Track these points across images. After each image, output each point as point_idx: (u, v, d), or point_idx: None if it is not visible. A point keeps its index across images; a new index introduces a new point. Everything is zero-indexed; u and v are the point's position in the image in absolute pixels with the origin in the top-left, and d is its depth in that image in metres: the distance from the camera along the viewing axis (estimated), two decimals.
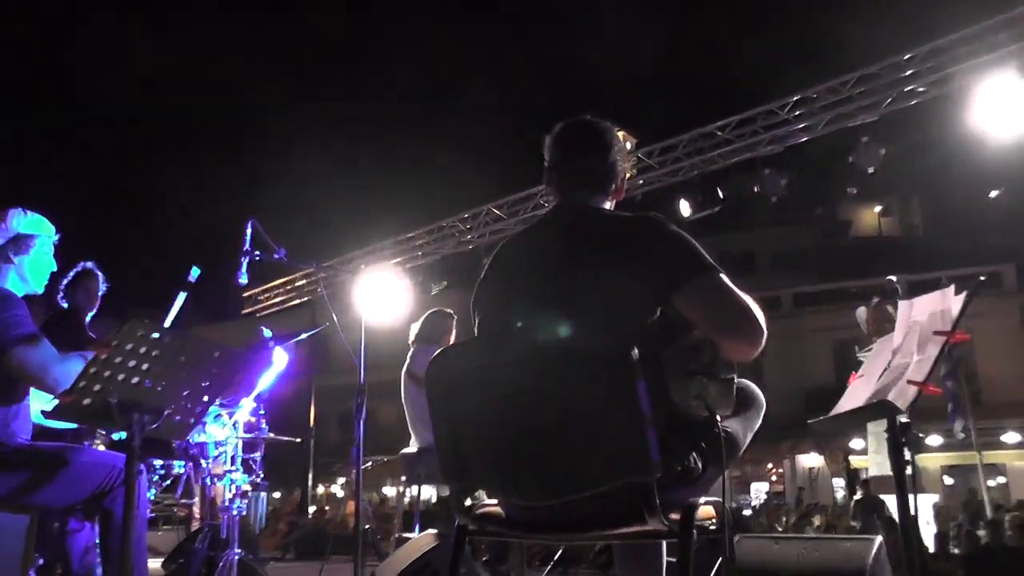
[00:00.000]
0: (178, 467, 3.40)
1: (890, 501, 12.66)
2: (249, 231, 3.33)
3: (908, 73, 7.11)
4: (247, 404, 3.52)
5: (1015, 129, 6.47)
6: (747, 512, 21.74)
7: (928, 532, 11.32)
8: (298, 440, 3.62)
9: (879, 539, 2.94)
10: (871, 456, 14.03)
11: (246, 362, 3.03)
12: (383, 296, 10.12)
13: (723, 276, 1.92)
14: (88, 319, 4.48)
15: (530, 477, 1.91)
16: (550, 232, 2.14)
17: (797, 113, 7.67)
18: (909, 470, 2.15)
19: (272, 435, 3.52)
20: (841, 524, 13.57)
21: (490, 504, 2.10)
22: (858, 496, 12.91)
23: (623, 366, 1.75)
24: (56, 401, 2.47)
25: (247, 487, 3.40)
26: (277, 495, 24.28)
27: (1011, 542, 9.99)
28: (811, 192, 35.98)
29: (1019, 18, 6.51)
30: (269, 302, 12.30)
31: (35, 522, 3.14)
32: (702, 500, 1.93)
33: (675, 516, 1.84)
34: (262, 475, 3.52)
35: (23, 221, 3.07)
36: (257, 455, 3.49)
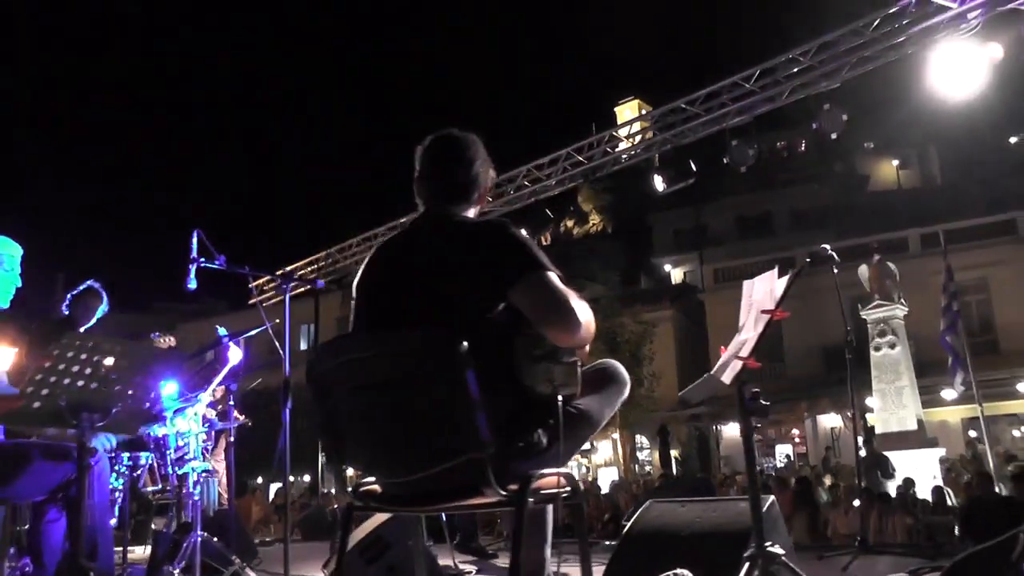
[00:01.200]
0: (145, 458, 3.73)
1: (896, 457, 12.80)
2: (195, 240, 3.61)
3: (864, 40, 7.18)
4: (204, 398, 3.83)
5: (967, 90, 6.55)
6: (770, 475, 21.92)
7: (929, 486, 11.46)
8: (249, 423, 3.93)
9: (771, 498, 3.17)
10: (877, 413, 14.18)
11: (185, 363, 3.34)
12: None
13: (550, 274, 2.16)
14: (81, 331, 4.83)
15: (390, 457, 2.19)
16: (411, 238, 2.39)
17: (762, 84, 7.79)
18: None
19: (221, 423, 3.84)
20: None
21: (371, 482, 2.38)
22: (862, 453, 13.07)
23: (452, 358, 2.02)
24: None
25: (203, 475, 3.73)
26: (307, 479, 24.92)
27: (1010, 492, 10.11)
28: (828, 148, 35.73)
29: None
30: (271, 291, 12.70)
31: (8, 512, 3.49)
32: (545, 471, 2.18)
33: (514, 487, 2.10)
34: (212, 464, 3.83)
35: None
36: (209, 444, 3.81)
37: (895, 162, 37.85)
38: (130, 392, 3.01)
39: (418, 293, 2.24)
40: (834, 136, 7.17)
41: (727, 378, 2.33)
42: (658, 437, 24.29)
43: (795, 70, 7.54)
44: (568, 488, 2.32)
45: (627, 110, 36.61)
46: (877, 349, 13.64)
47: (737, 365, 2.31)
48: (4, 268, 3.48)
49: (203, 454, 3.71)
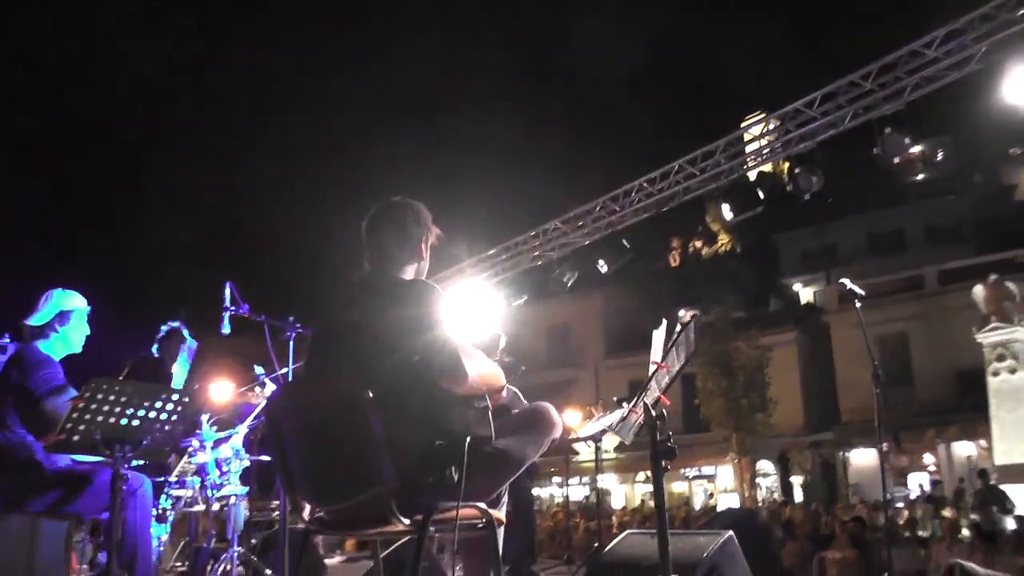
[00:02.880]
0: (190, 483, 4.25)
1: (1019, 492, 11.98)
2: (228, 291, 4.11)
3: (928, 59, 6.98)
4: (241, 430, 4.33)
5: None
6: (899, 505, 20.73)
7: None
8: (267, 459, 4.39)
9: (728, 533, 3.26)
10: (996, 444, 13.32)
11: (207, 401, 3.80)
12: (470, 311, 10.87)
13: (447, 329, 2.45)
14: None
15: (321, 488, 2.53)
16: (351, 296, 2.74)
17: (823, 109, 7.68)
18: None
19: (249, 456, 4.33)
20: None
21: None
22: (978, 486, 12.31)
23: (359, 404, 2.34)
24: None
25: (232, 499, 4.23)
26: None
27: None
28: (968, 157, 33.64)
29: None
30: None
31: (72, 528, 4.04)
32: (449, 504, 2.44)
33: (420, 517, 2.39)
34: (243, 488, 4.34)
35: (63, 298, 3.95)
36: (239, 472, 4.30)
37: None
38: (156, 427, 3.44)
39: (348, 344, 2.58)
40: (896, 160, 7.00)
41: (609, 424, 2.52)
42: (779, 464, 23.56)
43: (856, 94, 7.43)
44: (482, 520, 2.59)
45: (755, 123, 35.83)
46: (995, 375, 12.85)
47: (624, 411, 2.50)
48: (79, 321, 4.00)
49: (238, 480, 4.20)
